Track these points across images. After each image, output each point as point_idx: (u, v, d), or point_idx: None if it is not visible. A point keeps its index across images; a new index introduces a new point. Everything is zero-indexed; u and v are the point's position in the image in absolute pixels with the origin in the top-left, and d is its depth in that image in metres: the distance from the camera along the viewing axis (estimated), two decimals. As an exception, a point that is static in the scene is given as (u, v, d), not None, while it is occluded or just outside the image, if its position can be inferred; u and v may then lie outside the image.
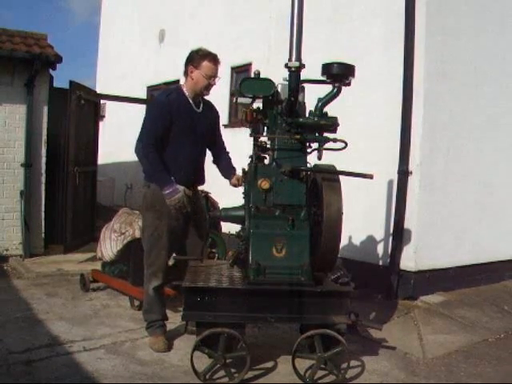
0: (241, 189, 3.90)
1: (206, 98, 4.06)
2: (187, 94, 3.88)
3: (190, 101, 3.88)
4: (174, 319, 4.28)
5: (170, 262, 4.28)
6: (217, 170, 4.24)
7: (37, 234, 6.96)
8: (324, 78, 3.56)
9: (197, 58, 3.83)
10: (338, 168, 3.65)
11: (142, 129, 3.82)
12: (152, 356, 3.81)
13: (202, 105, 3.97)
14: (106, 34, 12.59)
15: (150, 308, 3.96)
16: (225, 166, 4.15)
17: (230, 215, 3.75)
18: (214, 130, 4.11)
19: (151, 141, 3.73)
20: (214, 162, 4.22)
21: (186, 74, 3.89)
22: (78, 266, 6.40)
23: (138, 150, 3.82)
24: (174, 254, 4.04)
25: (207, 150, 4.13)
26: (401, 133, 5.36)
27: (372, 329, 4.11)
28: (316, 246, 3.50)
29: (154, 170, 3.77)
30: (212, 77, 3.83)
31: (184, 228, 3.98)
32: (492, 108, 5.95)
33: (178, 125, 3.79)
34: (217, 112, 4.18)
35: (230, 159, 4.20)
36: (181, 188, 3.73)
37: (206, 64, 3.80)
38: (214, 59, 3.84)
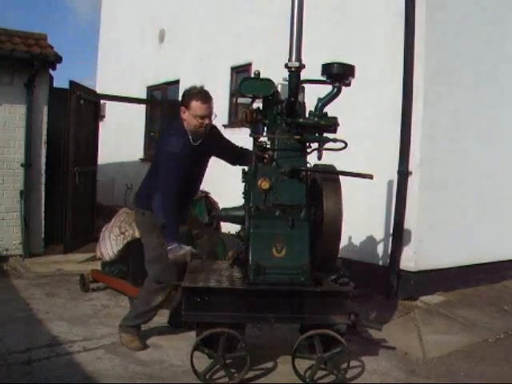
0: (240, 189, 3.90)
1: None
2: (188, 132, 3.79)
3: (190, 138, 3.78)
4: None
5: None
6: (216, 170, 4.23)
7: (37, 234, 6.96)
8: (324, 78, 3.56)
9: (187, 97, 3.75)
10: (338, 168, 3.65)
11: (161, 177, 3.68)
12: (152, 356, 3.82)
13: (200, 139, 3.85)
14: (106, 33, 12.59)
15: (144, 315, 3.96)
16: (243, 157, 4.07)
17: (229, 215, 3.74)
18: (218, 148, 4.02)
19: (172, 190, 3.63)
20: (233, 163, 4.16)
21: (180, 114, 3.80)
22: (77, 266, 6.40)
23: (156, 205, 3.67)
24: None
25: (225, 161, 4.15)
26: (401, 133, 5.36)
27: (372, 329, 4.10)
28: (316, 246, 3.50)
29: (167, 217, 3.64)
30: (203, 116, 3.70)
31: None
32: (492, 108, 5.95)
33: (184, 166, 3.71)
34: (217, 131, 4.06)
35: (245, 150, 4.11)
36: (186, 249, 3.63)
37: (194, 104, 3.68)
38: (202, 98, 3.71)
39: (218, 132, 4.12)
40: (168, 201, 3.62)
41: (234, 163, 4.18)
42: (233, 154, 4.15)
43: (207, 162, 4.04)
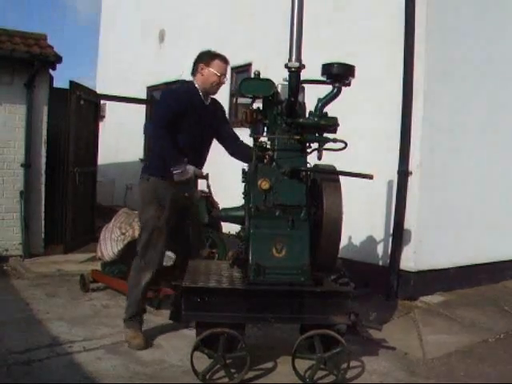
0: (240, 189, 3.90)
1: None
2: (198, 88, 3.97)
3: (201, 94, 3.97)
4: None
5: (168, 263, 4.31)
6: (217, 170, 4.24)
7: (37, 234, 6.96)
8: (324, 79, 3.56)
9: (208, 56, 3.98)
10: (338, 168, 3.65)
11: (154, 113, 3.94)
12: (152, 356, 3.81)
13: (209, 100, 4.07)
14: (106, 33, 12.60)
15: (135, 301, 3.99)
16: (243, 151, 4.10)
17: (230, 215, 3.75)
18: (221, 124, 4.16)
19: (163, 124, 3.79)
20: (232, 154, 4.21)
21: (195, 72, 3.98)
22: (77, 266, 6.40)
23: (149, 131, 3.89)
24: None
25: (222, 146, 4.20)
26: (401, 133, 5.36)
27: (372, 329, 4.11)
28: (316, 246, 3.50)
29: (165, 149, 3.81)
30: (223, 74, 3.95)
31: (179, 222, 4.06)
32: (492, 108, 5.95)
33: (188, 116, 3.86)
34: (222, 106, 4.26)
35: (246, 145, 4.14)
36: (191, 169, 3.79)
37: (217, 62, 3.95)
38: (224, 59, 4.00)
39: (224, 110, 4.26)
40: (161, 131, 3.75)
41: (233, 153, 4.19)
42: (233, 141, 4.18)
43: (212, 133, 4.09)
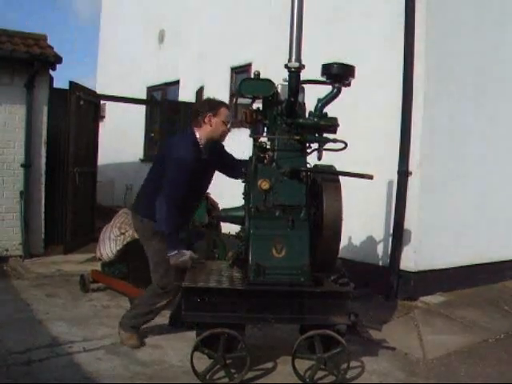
0: (240, 189, 3.90)
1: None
2: (201, 141, 3.82)
3: (201, 146, 3.84)
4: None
5: None
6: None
7: (37, 235, 6.96)
8: (324, 79, 3.56)
9: (214, 104, 3.86)
10: (338, 168, 3.65)
11: (168, 182, 3.68)
12: (152, 356, 3.82)
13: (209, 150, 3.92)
14: (107, 34, 12.61)
15: (143, 316, 3.97)
16: (236, 167, 4.08)
17: (230, 216, 3.75)
18: (219, 161, 4.03)
19: (178, 197, 3.65)
20: (235, 178, 4.13)
21: (201, 122, 3.81)
22: (77, 266, 6.40)
23: (161, 211, 3.66)
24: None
25: (223, 174, 4.16)
26: (401, 133, 5.36)
27: (372, 329, 4.11)
28: (316, 246, 3.50)
29: (169, 227, 3.66)
30: (229, 122, 3.88)
31: None
32: (492, 108, 5.95)
33: (192, 178, 3.73)
34: (220, 144, 4.10)
35: (239, 161, 4.12)
36: (187, 253, 3.68)
37: (223, 110, 3.83)
38: (228, 106, 3.96)
39: (223, 146, 4.12)
40: (171, 207, 3.63)
41: (235, 177, 4.13)
42: (235, 168, 4.11)
43: (212, 174, 4.06)
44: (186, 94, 9.23)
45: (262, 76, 3.55)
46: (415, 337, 4.49)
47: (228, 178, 4.16)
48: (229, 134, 3.92)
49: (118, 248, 5.07)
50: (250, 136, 3.69)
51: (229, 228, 4.14)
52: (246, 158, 3.81)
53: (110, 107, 11.33)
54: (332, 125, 3.54)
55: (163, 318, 4.45)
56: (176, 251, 3.63)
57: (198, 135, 3.81)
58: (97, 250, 5.34)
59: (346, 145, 3.53)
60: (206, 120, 3.79)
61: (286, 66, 3.34)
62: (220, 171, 4.13)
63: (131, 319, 4.00)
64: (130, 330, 3.97)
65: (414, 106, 5.30)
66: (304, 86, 3.65)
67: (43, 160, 6.97)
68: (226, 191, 4.25)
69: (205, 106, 3.92)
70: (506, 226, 6.16)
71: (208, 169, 3.94)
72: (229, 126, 3.88)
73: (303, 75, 3.44)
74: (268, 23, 7.16)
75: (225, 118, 3.82)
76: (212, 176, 4.07)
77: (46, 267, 6.39)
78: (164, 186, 3.67)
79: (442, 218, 5.50)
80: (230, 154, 4.16)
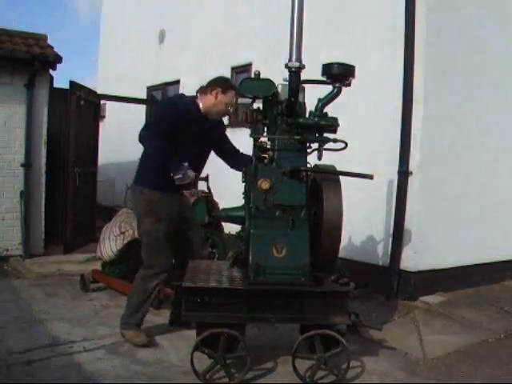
0: (240, 189, 3.90)
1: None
2: (201, 108, 3.97)
3: (202, 113, 3.97)
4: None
5: None
6: (217, 170, 4.24)
7: (37, 235, 6.96)
8: (324, 79, 3.56)
9: (226, 83, 4.02)
10: (338, 168, 3.65)
11: (151, 120, 3.93)
12: (152, 356, 3.81)
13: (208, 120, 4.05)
14: (107, 33, 12.60)
15: (141, 308, 3.97)
16: (242, 161, 4.12)
17: (230, 216, 3.74)
18: (221, 141, 4.16)
19: (157, 129, 3.77)
20: (232, 167, 4.21)
21: (207, 91, 3.96)
22: (78, 266, 6.39)
23: (144, 138, 3.80)
24: None
25: (222, 160, 4.23)
26: (401, 133, 5.35)
27: (372, 329, 4.11)
28: (316, 246, 3.50)
29: (163, 151, 3.77)
30: (231, 106, 4.05)
31: (179, 231, 4.07)
32: (493, 108, 5.95)
33: (187, 129, 3.84)
34: (223, 122, 4.29)
35: (246, 155, 4.17)
36: (192, 173, 3.79)
37: (231, 93, 3.97)
38: (236, 90, 4.01)
39: (225, 126, 4.28)
40: (157, 141, 3.73)
41: (233, 166, 4.21)
42: (233, 156, 4.18)
43: (210, 148, 4.09)
44: (186, 94, 9.21)
45: (262, 76, 3.55)
46: (415, 337, 4.49)
47: (230, 168, 4.21)
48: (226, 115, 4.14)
49: (118, 248, 5.07)
50: (251, 136, 3.69)
51: (229, 228, 4.14)
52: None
53: (110, 107, 11.33)
54: (332, 125, 3.54)
55: (163, 318, 4.46)
56: (181, 174, 3.70)
57: (199, 101, 3.97)
58: (97, 250, 5.35)
59: (346, 145, 3.53)
60: (214, 92, 3.94)
61: (287, 66, 3.34)
62: (219, 155, 4.19)
63: (129, 317, 3.99)
64: (133, 328, 3.97)
65: (413, 105, 5.29)
66: (304, 85, 3.64)
67: (43, 160, 6.97)
68: (226, 191, 4.25)
69: (217, 80, 4.06)
70: (506, 226, 6.16)
71: (205, 136, 3.99)
72: (230, 108, 4.04)
73: (303, 75, 3.44)
74: (268, 23, 7.16)
75: (229, 100, 3.97)
76: (208, 151, 4.12)
77: (46, 267, 6.38)
78: (148, 125, 3.88)
79: (442, 217, 5.50)
80: (231, 142, 4.23)
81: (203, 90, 3.99)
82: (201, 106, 3.96)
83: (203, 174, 5.78)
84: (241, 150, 4.25)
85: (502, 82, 6.04)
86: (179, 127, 3.81)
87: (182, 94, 4.28)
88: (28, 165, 6.79)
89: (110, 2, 12.73)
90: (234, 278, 3.61)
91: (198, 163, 4.07)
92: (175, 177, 3.72)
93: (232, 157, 4.20)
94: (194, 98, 4.02)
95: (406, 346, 4.26)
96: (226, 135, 4.25)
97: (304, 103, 3.64)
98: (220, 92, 3.92)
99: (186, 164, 3.75)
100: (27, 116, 6.76)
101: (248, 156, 4.02)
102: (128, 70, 11.06)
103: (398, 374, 3.75)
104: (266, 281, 3.38)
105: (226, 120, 7.77)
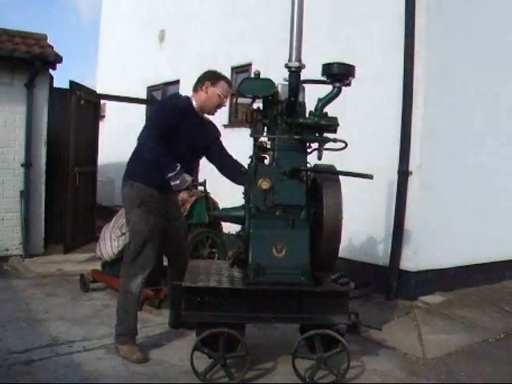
0: (240, 189, 3.90)
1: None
2: (195, 106, 3.93)
3: (197, 111, 3.93)
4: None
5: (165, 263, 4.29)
6: (214, 168, 4.21)
7: (37, 234, 6.97)
8: (324, 79, 3.56)
9: (215, 76, 3.96)
10: (338, 168, 3.65)
11: (150, 120, 3.91)
12: (152, 356, 3.81)
13: (203, 119, 4.02)
14: (107, 33, 12.60)
15: (126, 313, 3.78)
16: (232, 168, 4.04)
17: (230, 215, 3.74)
18: (212, 143, 4.07)
19: (156, 132, 3.72)
20: (219, 170, 4.12)
21: (198, 88, 3.93)
22: (77, 265, 6.40)
23: (143, 138, 3.77)
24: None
25: (212, 163, 4.14)
26: (401, 133, 5.36)
27: (372, 329, 4.10)
28: (316, 246, 3.50)
29: (161, 154, 3.68)
30: (224, 97, 3.94)
31: (168, 227, 3.99)
32: (493, 108, 5.95)
33: (183, 129, 3.80)
34: (216, 127, 4.17)
35: (236, 161, 4.09)
36: (189, 177, 3.74)
37: (223, 84, 3.92)
38: (229, 82, 4.02)
39: (217, 130, 4.16)
40: (155, 139, 3.67)
41: (219, 169, 4.10)
42: (221, 158, 4.08)
43: (203, 149, 4.02)
44: (186, 94, 9.22)
45: (262, 76, 3.55)
46: (415, 336, 4.50)
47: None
48: (221, 107, 3.99)
49: (118, 248, 5.06)
50: (250, 136, 3.69)
51: (229, 228, 4.13)
52: (247, 160, 3.79)
53: (110, 107, 11.33)
54: (332, 124, 3.54)
55: (163, 318, 4.46)
56: (179, 180, 3.62)
57: (193, 100, 3.93)
58: (97, 250, 5.35)
59: (347, 144, 3.52)
60: (204, 87, 3.90)
61: (287, 66, 3.34)
62: (207, 156, 4.08)
63: (120, 324, 3.80)
64: (128, 342, 3.76)
65: (414, 105, 5.29)
66: (304, 85, 3.64)
67: (43, 159, 6.97)
68: (226, 191, 4.24)
69: (206, 74, 4.01)
70: (506, 225, 6.16)
71: (203, 137, 3.94)
72: (224, 100, 3.95)
73: (303, 75, 3.44)
74: (268, 23, 7.16)
75: (222, 91, 3.90)
76: (201, 152, 4.03)
77: (46, 266, 6.39)
78: (147, 124, 3.81)
79: (441, 217, 5.50)
80: (225, 148, 4.12)
81: (194, 89, 3.96)
82: (194, 104, 3.91)
83: (200, 180, 5.80)
84: (240, 151, 4.20)
85: (503, 81, 6.04)
86: (176, 126, 3.77)
87: (178, 93, 4.21)
88: (28, 165, 6.79)
89: (109, 2, 12.73)
90: (234, 278, 3.61)
91: (190, 163, 3.99)
92: (172, 183, 3.64)
93: (219, 159, 4.08)
94: (188, 97, 3.97)
95: (406, 345, 4.26)
96: (219, 139, 4.13)
97: (304, 103, 3.64)
98: (210, 85, 3.88)
99: (179, 167, 3.64)
100: (27, 116, 6.76)
101: (238, 165, 3.97)
102: (128, 70, 11.06)
103: (398, 374, 3.75)
104: (266, 281, 3.38)
105: (226, 120, 7.87)
